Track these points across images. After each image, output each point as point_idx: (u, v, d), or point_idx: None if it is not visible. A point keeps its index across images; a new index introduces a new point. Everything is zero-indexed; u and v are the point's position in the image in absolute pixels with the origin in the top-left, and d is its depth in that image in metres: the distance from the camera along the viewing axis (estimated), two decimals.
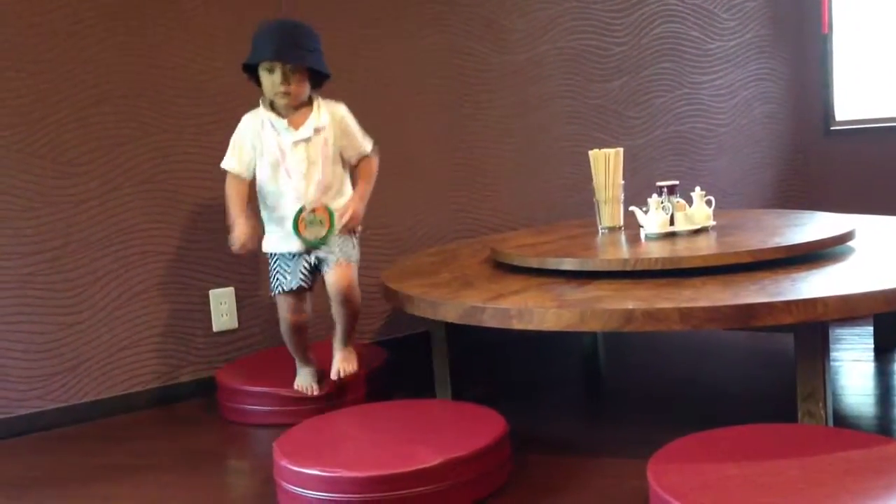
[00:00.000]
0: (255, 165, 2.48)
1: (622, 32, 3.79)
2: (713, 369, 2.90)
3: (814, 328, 1.99)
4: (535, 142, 3.64)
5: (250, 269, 3.05)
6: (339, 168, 2.55)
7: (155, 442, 2.57)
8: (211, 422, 2.70)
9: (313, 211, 2.43)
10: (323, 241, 2.45)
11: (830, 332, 2.06)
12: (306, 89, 2.47)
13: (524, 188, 3.60)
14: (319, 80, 2.53)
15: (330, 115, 2.50)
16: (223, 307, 3.01)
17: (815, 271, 2.19)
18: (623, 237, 2.70)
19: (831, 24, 4.20)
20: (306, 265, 2.51)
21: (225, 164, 2.49)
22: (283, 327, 2.57)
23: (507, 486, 2.03)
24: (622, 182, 2.82)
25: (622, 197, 2.82)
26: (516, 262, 2.53)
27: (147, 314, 2.91)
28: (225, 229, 2.50)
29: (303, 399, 2.59)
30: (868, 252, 2.39)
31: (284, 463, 1.99)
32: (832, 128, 4.26)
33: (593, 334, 3.09)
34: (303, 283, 2.51)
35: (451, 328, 2.53)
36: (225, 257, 2.97)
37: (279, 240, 2.52)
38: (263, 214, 2.56)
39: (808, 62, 4.26)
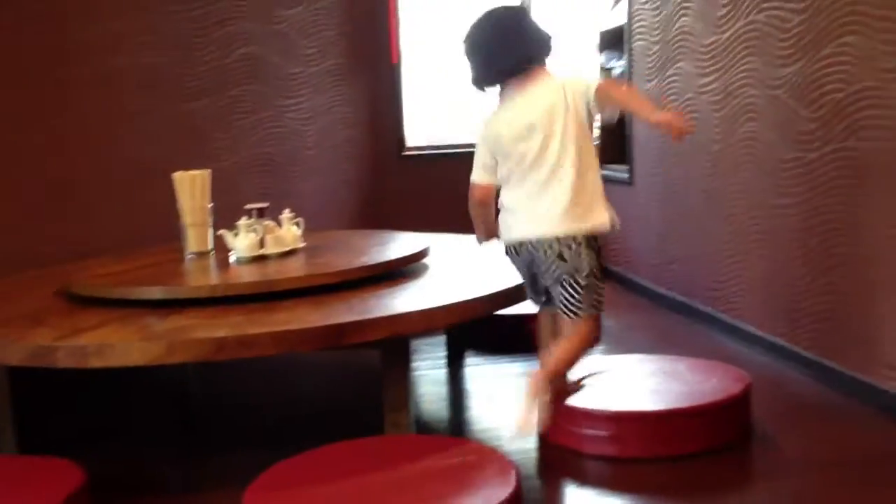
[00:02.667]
0: None
1: (204, 51, 3.71)
2: (308, 390, 2.94)
3: (398, 342, 2.12)
4: (117, 163, 3.38)
5: None
6: None
7: None
8: None
9: None
10: None
11: (411, 345, 2.21)
12: None
13: (107, 213, 3.32)
14: None
15: None
16: None
17: (397, 288, 2.34)
18: (212, 262, 2.62)
19: (400, 55, 4.57)
20: None
21: None
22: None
23: None
24: (210, 205, 2.73)
25: (211, 220, 2.74)
26: (94, 294, 2.31)
27: None
28: None
29: None
30: (440, 268, 2.63)
31: None
32: (403, 153, 4.64)
33: (184, 365, 2.94)
34: None
35: (16, 372, 2.21)
36: None
37: None
38: None
39: (382, 90, 4.59)
